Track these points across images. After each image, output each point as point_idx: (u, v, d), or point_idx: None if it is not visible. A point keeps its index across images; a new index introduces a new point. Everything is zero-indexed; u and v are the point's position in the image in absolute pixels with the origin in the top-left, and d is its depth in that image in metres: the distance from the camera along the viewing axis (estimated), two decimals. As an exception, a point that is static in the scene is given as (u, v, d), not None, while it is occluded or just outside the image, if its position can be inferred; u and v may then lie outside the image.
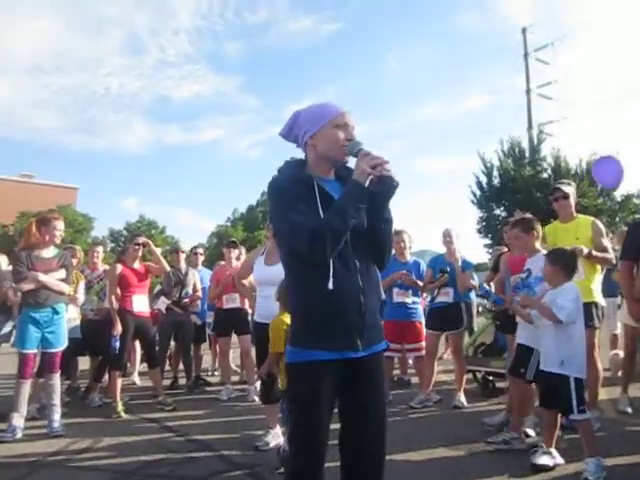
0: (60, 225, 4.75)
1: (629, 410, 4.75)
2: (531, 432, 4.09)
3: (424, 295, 6.46)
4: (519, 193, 19.88)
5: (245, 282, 4.82)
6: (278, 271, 4.18)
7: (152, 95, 77.74)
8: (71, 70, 74.94)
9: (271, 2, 71.29)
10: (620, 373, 5.49)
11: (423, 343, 5.70)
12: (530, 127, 23.28)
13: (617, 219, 19.21)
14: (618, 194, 20.00)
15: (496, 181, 21.70)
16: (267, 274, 4.12)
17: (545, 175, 20.66)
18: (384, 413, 2.02)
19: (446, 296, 5.52)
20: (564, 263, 3.42)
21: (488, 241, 21.85)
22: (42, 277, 4.54)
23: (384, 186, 1.94)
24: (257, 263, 4.38)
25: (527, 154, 21.76)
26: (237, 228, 39.63)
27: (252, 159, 66.43)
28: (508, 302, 3.97)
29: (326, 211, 1.93)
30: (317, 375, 1.92)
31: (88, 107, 74.07)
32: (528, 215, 4.32)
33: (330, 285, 1.89)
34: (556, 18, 54.38)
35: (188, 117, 79.20)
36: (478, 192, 22.07)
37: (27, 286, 4.51)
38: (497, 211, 21.82)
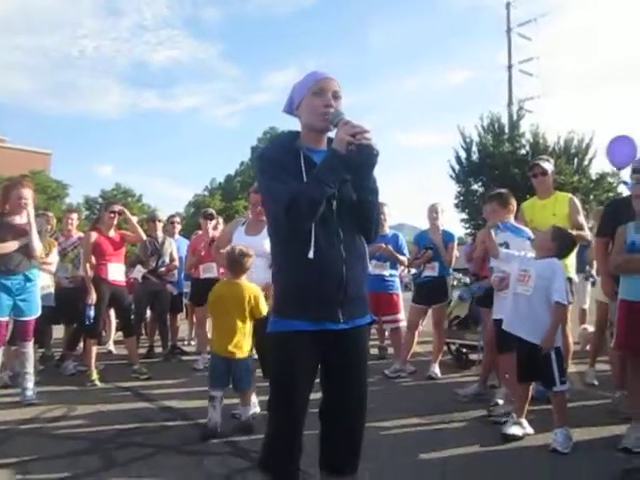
0: (25, 193, 4.48)
1: (595, 382, 4.90)
2: (501, 402, 4.19)
3: (402, 268, 6.52)
4: (497, 169, 19.98)
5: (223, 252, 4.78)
6: (259, 241, 4.23)
7: (129, 59, 75.77)
8: (43, 31, 72.15)
9: (252, -33, 69.17)
10: (588, 347, 5.65)
11: (399, 315, 5.78)
12: (510, 103, 23.34)
13: (591, 197, 19.49)
14: (593, 172, 20.31)
15: (475, 156, 21.76)
16: (247, 244, 4.09)
17: (523, 152, 20.75)
18: (365, 386, 2.03)
19: (432, 270, 5.58)
20: (563, 246, 3.51)
21: (465, 216, 22.05)
22: (11, 245, 4.41)
23: (365, 155, 1.91)
24: (237, 233, 4.36)
25: (506, 130, 21.83)
26: (215, 198, 39.30)
27: (230, 128, 65.81)
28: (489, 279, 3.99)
29: (306, 180, 1.91)
30: (296, 345, 1.92)
31: (62, 70, 71.71)
32: (504, 190, 4.36)
33: (311, 254, 1.87)
34: (540, -7, 54.01)
35: (165, 83, 77.55)
36: (457, 167, 22.14)
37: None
38: (475, 186, 21.94)
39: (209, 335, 6.98)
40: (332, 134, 2.04)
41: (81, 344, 5.99)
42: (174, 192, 60.48)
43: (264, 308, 3.72)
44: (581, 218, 4.52)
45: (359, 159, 1.91)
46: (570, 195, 4.73)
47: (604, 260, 3.93)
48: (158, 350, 6.82)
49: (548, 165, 4.76)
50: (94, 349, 5.44)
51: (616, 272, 3.61)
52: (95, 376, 5.25)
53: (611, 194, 18.53)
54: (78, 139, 68.59)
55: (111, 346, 7.22)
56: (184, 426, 3.87)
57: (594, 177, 20.34)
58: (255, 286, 3.82)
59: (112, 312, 6.69)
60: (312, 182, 1.88)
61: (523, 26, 24.05)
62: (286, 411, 1.95)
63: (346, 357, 2.00)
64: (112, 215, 5.61)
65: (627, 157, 5.03)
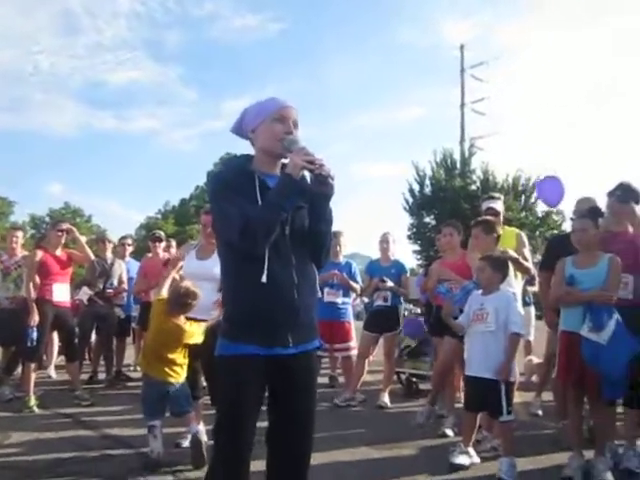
0: None
1: (540, 413, 5.02)
2: (450, 432, 4.24)
3: (354, 296, 6.56)
4: (449, 203, 20.60)
5: (176, 276, 4.70)
6: (210, 265, 4.17)
7: (85, 78, 74.44)
8: (-4, 44, 70.21)
9: (216, -5, 69.85)
10: (534, 378, 5.79)
11: (351, 343, 5.79)
12: (462, 140, 24.28)
13: (537, 233, 20.29)
14: (539, 210, 21.21)
15: (428, 190, 22.40)
16: (198, 268, 4.04)
17: (474, 187, 21.53)
18: (312, 412, 2.02)
19: (384, 300, 5.61)
20: (505, 270, 3.62)
21: (417, 247, 22.52)
22: None
23: (322, 186, 1.93)
24: (188, 257, 4.29)
25: (458, 166, 22.60)
26: (168, 221, 38.69)
27: (187, 152, 65.12)
28: (447, 307, 3.95)
29: (260, 204, 1.92)
30: (244, 369, 1.90)
31: (15, 85, 69.66)
32: (490, 217, 4.46)
33: (264, 278, 1.87)
34: (492, 39, 56.84)
35: (122, 104, 76.62)
36: (410, 199, 22.69)
37: None
38: (427, 219, 22.53)
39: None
40: (285, 160, 2.07)
41: (19, 369, 5.71)
42: (125, 214, 59.16)
43: (199, 338, 3.62)
44: (527, 252, 4.69)
45: (317, 189, 1.93)
46: (517, 230, 4.93)
47: (547, 293, 4.08)
48: (102, 376, 6.57)
49: (500, 205, 4.96)
50: (33, 374, 5.19)
51: (556, 305, 3.75)
52: (33, 402, 5.01)
53: (555, 231, 19.34)
54: (27, 155, 66.21)
55: (52, 371, 6.90)
56: (127, 455, 3.73)
57: (540, 214, 21.28)
58: (194, 327, 3.68)
59: (55, 335, 6.42)
60: (266, 206, 1.89)
61: (476, 68, 25.19)
62: (234, 437, 1.91)
63: (294, 382, 1.98)
64: (59, 233, 5.45)
65: (558, 195, 5.31)
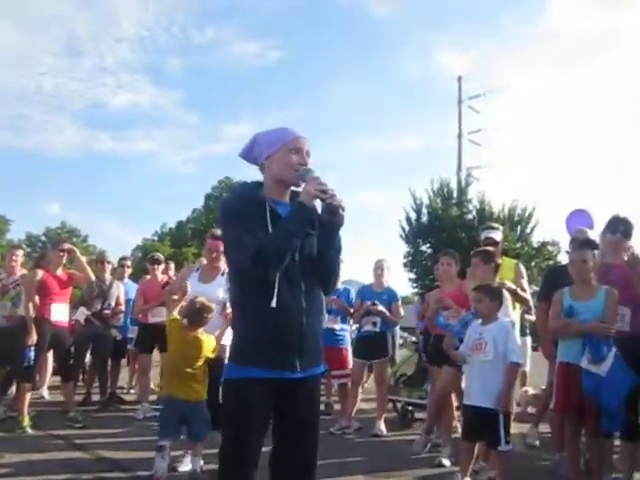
0: None
1: (537, 444, 5.00)
2: (446, 462, 4.22)
3: (351, 322, 6.56)
4: (445, 232, 20.70)
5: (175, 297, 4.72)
6: (213, 289, 4.21)
7: (86, 100, 74.95)
8: (1, 65, 70.78)
9: (218, 23, 70.97)
10: (529, 409, 5.78)
11: (348, 370, 5.77)
12: (459, 170, 24.50)
13: (533, 264, 20.36)
14: (535, 241, 21.34)
15: (424, 218, 22.52)
16: (201, 292, 4.07)
17: (470, 217, 21.67)
18: (317, 435, 2.04)
19: (373, 325, 5.58)
20: (501, 298, 3.67)
21: (413, 275, 22.52)
22: None
23: (333, 216, 1.99)
24: (190, 279, 4.32)
25: (455, 195, 22.78)
26: (164, 243, 38.65)
27: (185, 175, 65.05)
28: (448, 339, 3.95)
29: (272, 231, 1.96)
30: (252, 393, 1.92)
31: (18, 104, 70.07)
32: (489, 247, 4.52)
33: (274, 303, 1.91)
34: (489, 72, 57.91)
35: (122, 126, 76.74)
36: (407, 227, 22.79)
37: None
38: (423, 247, 22.59)
39: (153, 383, 6.77)
40: (294, 188, 2.13)
41: (12, 389, 5.66)
42: (122, 234, 58.82)
43: (214, 352, 3.74)
44: (525, 283, 4.75)
45: (328, 218, 1.98)
46: (515, 261, 4.99)
47: (545, 324, 4.11)
48: (95, 398, 6.51)
49: (498, 235, 5.02)
50: (28, 394, 5.15)
51: (555, 337, 3.78)
52: (27, 422, 4.96)
53: (551, 262, 19.44)
54: (26, 174, 66.08)
55: (45, 391, 6.83)
56: (121, 478, 3.69)
57: (535, 245, 21.36)
58: (211, 338, 3.81)
59: (49, 355, 6.38)
60: (279, 233, 1.93)
61: (473, 99, 25.60)
62: (240, 459, 1.92)
63: (300, 406, 2.01)
64: (61, 254, 5.46)
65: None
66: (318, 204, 2.02)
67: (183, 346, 3.70)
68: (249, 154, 2.16)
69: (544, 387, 5.43)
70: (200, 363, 3.69)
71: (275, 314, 1.91)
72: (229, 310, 3.41)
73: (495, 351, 3.43)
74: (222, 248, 4.12)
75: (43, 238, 36.48)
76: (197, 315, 3.70)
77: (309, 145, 2.10)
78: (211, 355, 3.73)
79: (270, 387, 1.94)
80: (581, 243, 3.81)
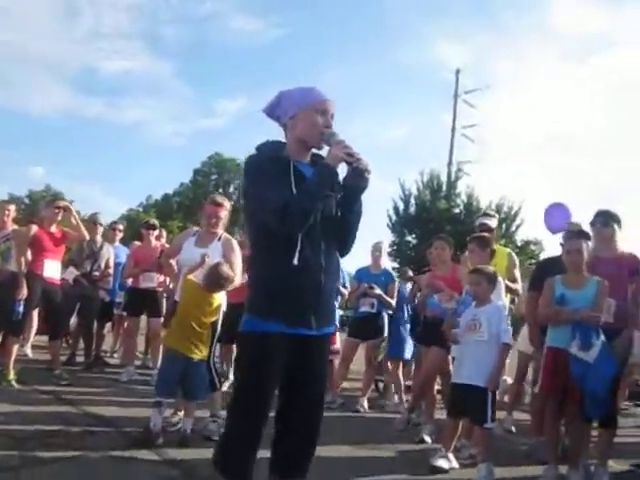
0: None
1: (513, 429, 5.14)
2: (428, 439, 4.33)
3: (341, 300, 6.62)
4: (432, 223, 20.86)
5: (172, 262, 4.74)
6: (208, 253, 4.22)
7: (79, 63, 73.38)
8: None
9: (218, -4, 69.85)
10: (506, 398, 5.92)
11: (336, 346, 5.84)
12: (450, 163, 24.63)
13: (516, 261, 20.66)
14: (519, 239, 21.65)
15: (412, 209, 22.67)
16: (196, 256, 4.10)
17: (457, 210, 21.88)
18: (324, 390, 2.12)
19: (370, 307, 5.65)
20: (497, 282, 3.76)
21: (396, 265, 22.70)
22: None
23: (359, 179, 2.01)
24: (187, 244, 4.34)
25: (444, 188, 22.95)
26: (149, 214, 38.34)
27: (174, 147, 64.40)
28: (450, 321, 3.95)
29: (298, 191, 1.99)
30: (270, 345, 1.97)
31: (9, 63, 68.28)
32: (486, 234, 4.59)
33: (295, 261, 1.94)
34: (487, 67, 58.05)
35: (113, 92, 75.59)
36: (394, 217, 22.92)
37: None
38: (409, 237, 22.77)
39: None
40: (315, 150, 2.15)
41: (-1, 341, 5.64)
42: (107, 202, 58.07)
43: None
44: (517, 272, 4.85)
45: (353, 182, 2.01)
46: (508, 250, 5.09)
47: (534, 313, 4.22)
48: (80, 359, 6.52)
49: (494, 222, 5.11)
50: (15, 347, 5.14)
51: (545, 322, 3.88)
52: (12, 376, 4.96)
53: (534, 260, 19.73)
54: (10, 135, 64.72)
55: (28, 349, 6.81)
56: (110, 432, 3.73)
57: (519, 243, 21.66)
58: (223, 299, 3.92)
59: (34, 313, 6.35)
60: (305, 193, 1.95)
61: (469, 94, 25.67)
62: (253, 409, 1.97)
63: (312, 358, 2.06)
64: (57, 210, 5.43)
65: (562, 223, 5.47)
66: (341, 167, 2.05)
67: (195, 304, 3.71)
68: (273, 111, 2.16)
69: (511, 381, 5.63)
70: (209, 321, 3.71)
71: (296, 271, 1.95)
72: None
73: (489, 332, 3.52)
74: (222, 214, 4.23)
75: (26, 200, 35.90)
76: (219, 282, 3.69)
77: (335, 108, 2.11)
78: (216, 317, 3.76)
79: (286, 342, 1.98)
80: (576, 234, 3.90)
